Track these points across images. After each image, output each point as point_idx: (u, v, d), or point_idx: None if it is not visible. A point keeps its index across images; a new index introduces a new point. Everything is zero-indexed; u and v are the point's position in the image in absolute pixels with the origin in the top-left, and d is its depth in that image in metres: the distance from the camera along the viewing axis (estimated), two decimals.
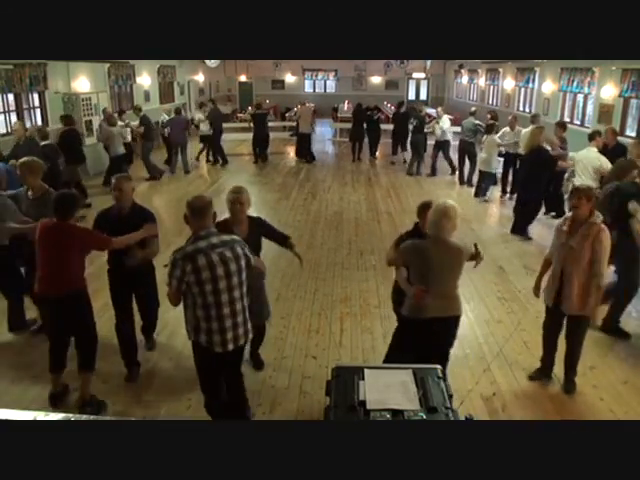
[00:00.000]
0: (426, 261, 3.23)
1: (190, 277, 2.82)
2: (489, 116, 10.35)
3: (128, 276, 3.93)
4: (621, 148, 7.14)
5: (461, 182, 10.91)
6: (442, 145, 11.44)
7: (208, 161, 12.99)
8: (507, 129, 9.44)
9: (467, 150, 10.70)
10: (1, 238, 4.30)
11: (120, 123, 10.56)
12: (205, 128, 12.52)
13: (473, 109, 11.35)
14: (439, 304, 3.26)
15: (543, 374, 4.07)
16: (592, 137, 6.89)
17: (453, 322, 3.39)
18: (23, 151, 6.95)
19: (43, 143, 7.63)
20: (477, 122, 10.57)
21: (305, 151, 13.38)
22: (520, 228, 7.44)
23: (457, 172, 11.19)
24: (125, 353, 4.06)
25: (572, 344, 3.90)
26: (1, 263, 4.47)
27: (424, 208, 3.50)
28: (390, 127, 13.49)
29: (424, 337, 3.29)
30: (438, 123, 11.41)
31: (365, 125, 13.29)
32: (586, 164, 6.60)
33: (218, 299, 2.89)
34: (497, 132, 9.54)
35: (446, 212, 3.21)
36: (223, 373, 3.22)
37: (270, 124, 13.87)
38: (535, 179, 7.17)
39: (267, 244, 3.90)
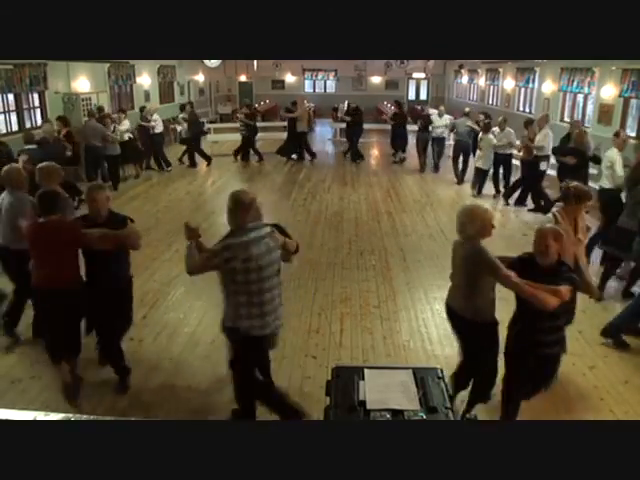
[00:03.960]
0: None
1: (238, 264, 2.98)
2: (482, 116, 10.60)
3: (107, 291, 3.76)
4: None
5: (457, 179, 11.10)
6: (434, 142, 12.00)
7: (182, 163, 12.66)
8: (496, 129, 9.52)
9: (463, 149, 10.97)
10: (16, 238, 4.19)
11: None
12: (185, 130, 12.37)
13: (467, 110, 11.52)
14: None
15: None
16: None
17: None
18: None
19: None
20: (469, 124, 10.76)
21: (295, 148, 13.37)
22: None
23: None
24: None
25: None
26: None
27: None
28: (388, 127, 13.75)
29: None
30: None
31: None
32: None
33: (261, 286, 3.10)
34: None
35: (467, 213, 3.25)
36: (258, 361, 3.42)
37: (269, 124, 13.87)
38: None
39: None
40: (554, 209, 3.97)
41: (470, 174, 10.60)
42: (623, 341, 4.55)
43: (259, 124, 14.51)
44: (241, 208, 3.04)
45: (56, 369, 3.80)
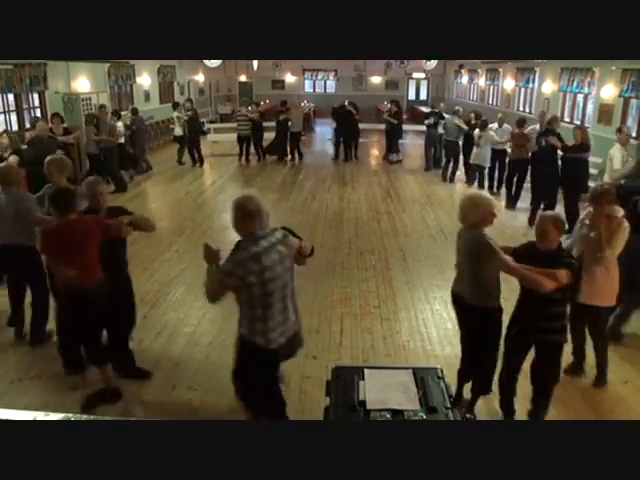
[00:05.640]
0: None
1: (253, 278, 2.77)
2: (473, 114, 10.78)
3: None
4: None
5: (444, 178, 11.27)
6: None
7: (181, 163, 12.66)
8: (495, 126, 9.84)
9: (452, 149, 11.07)
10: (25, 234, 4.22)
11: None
12: (178, 129, 12.33)
13: (457, 108, 11.45)
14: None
15: (575, 369, 4.14)
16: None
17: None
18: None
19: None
20: (457, 122, 10.80)
21: (292, 149, 13.39)
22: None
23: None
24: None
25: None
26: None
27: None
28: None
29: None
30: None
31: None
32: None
33: (275, 297, 2.90)
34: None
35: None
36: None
37: (270, 124, 13.87)
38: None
39: None
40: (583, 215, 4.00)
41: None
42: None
43: None
44: (247, 216, 2.81)
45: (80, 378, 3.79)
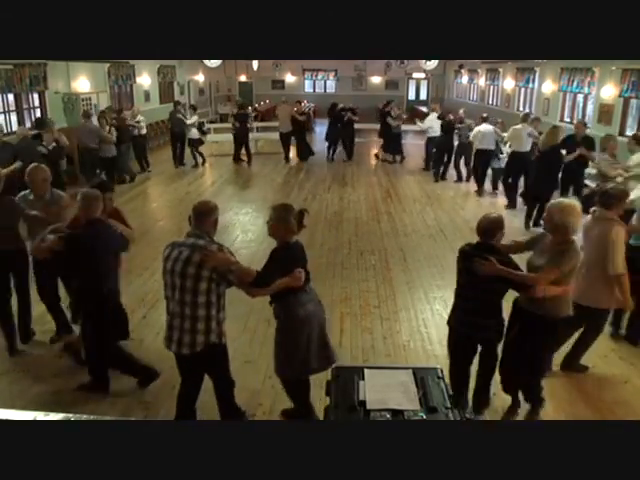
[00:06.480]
0: None
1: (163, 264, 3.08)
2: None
3: None
4: (589, 139, 7.82)
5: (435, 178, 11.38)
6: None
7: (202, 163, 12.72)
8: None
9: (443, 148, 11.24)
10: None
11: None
12: (194, 131, 12.26)
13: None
14: None
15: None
16: None
17: None
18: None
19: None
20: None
21: (288, 149, 13.35)
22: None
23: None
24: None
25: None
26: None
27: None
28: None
29: None
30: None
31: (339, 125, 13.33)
32: None
33: (171, 294, 3.09)
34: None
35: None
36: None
37: (269, 124, 13.88)
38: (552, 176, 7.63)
39: (268, 242, 3.88)
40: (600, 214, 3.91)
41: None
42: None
43: (259, 124, 14.49)
44: (192, 215, 3.15)
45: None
